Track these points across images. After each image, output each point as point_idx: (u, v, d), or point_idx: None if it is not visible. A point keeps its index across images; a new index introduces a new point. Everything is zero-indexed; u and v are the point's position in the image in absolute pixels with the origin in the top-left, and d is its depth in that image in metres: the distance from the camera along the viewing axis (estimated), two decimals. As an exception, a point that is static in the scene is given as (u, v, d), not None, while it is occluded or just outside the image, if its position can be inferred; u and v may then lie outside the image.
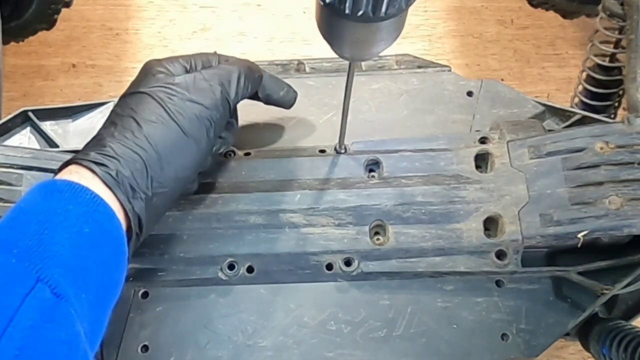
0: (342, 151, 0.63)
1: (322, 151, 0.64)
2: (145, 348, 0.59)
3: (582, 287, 0.61)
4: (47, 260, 0.43)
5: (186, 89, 0.54)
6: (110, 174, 0.49)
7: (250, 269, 0.61)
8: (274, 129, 0.67)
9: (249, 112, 0.67)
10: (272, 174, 0.63)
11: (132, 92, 0.54)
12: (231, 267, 0.60)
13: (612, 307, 0.66)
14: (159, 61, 0.56)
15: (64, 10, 0.93)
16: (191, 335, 0.60)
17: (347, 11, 0.42)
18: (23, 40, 0.96)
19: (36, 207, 0.46)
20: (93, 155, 0.50)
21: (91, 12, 1.11)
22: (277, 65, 0.73)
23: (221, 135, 0.58)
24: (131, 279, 0.60)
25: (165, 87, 0.54)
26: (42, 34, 0.97)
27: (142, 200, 0.51)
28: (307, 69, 0.73)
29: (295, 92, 0.64)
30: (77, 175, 0.49)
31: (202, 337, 0.60)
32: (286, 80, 0.67)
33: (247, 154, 0.64)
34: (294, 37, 1.09)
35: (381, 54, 0.73)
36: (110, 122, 0.53)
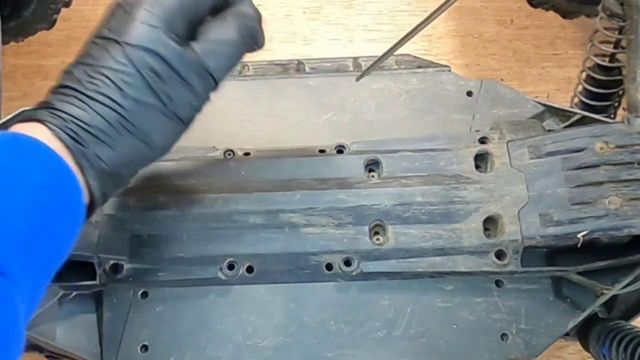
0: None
1: (322, 151, 0.64)
2: (144, 348, 0.59)
3: (582, 287, 0.61)
4: None
5: (180, 69, 0.48)
6: (83, 153, 0.45)
7: (249, 269, 0.61)
8: (274, 129, 0.67)
9: (249, 112, 0.67)
10: (271, 174, 0.63)
11: (115, 41, 0.47)
12: (231, 267, 0.60)
13: (612, 307, 0.66)
14: None
15: (63, 10, 0.93)
16: (191, 335, 0.60)
17: None
18: (23, 40, 0.96)
19: None
20: (61, 121, 0.45)
21: (91, 12, 1.11)
22: (277, 65, 0.73)
23: None
24: (130, 279, 0.60)
25: (160, 60, 0.47)
26: (41, 34, 0.97)
27: (105, 175, 0.47)
28: (307, 69, 0.73)
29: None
30: (45, 135, 0.44)
31: (202, 337, 0.60)
32: (286, 81, 0.67)
33: (247, 154, 0.64)
34: (294, 37, 1.09)
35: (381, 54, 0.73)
36: (85, 73, 0.47)
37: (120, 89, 0.46)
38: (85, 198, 0.46)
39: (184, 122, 0.50)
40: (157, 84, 0.47)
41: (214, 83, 0.50)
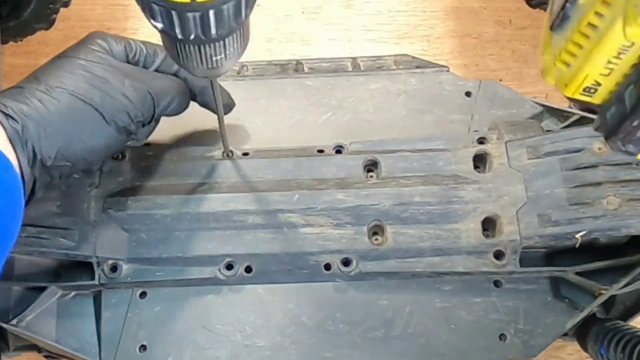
0: (228, 155, 0.63)
1: (321, 151, 0.64)
2: (143, 348, 0.59)
3: (580, 287, 0.61)
4: None
5: (120, 78, 0.53)
6: (17, 131, 0.48)
7: (248, 269, 0.61)
8: (273, 129, 0.67)
9: (247, 112, 0.67)
10: (270, 174, 0.63)
11: (66, 56, 0.53)
12: (229, 267, 0.60)
13: (610, 308, 0.66)
14: (104, 34, 0.56)
15: (62, 10, 0.93)
16: (189, 335, 0.60)
17: (179, 36, 0.42)
18: (21, 40, 0.96)
19: None
20: (6, 103, 0.49)
21: (90, 12, 1.11)
22: (275, 65, 0.73)
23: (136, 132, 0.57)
24: (129, 278, 0.60)
25: (100, 65, 0.53)
26: (40, 34, 0.97)
27: (41, 167, 0.50)
28: (306, 69, 0.73)
29: (231, 103, 0.63)
30: None
31: (200, 337, 0.60)
32: (285, 81, 0.67)
33: (246, 154, 0.64)
34: (292, 37, 1.09)
35: (379, 54, 0.74)
36: (34, 77, 0.52)
37: (63, 86, 0.51)
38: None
39: (119, 129, 0.54)
40: (99, 85, 0.52)
41: (153, 105, 0.55)
